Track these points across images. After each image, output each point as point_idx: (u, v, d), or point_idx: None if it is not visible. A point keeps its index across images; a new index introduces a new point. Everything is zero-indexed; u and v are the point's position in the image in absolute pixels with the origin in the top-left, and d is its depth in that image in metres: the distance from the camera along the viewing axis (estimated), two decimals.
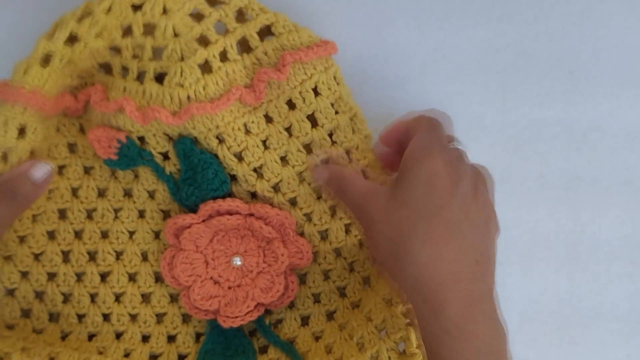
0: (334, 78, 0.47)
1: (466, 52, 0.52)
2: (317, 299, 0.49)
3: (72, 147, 0.49)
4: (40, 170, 0.46)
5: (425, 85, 0.52)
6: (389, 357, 0.45)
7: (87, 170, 0.49)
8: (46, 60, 0.45)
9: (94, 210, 0.49)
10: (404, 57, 0.52)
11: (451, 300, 0.37)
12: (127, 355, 0.49)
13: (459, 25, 0.52)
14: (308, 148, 0.48)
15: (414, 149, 0.41)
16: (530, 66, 0.52)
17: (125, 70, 0.47)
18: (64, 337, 0.49)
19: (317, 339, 0.49)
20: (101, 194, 0.49)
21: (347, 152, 0.47)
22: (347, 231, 0.48)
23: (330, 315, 0.49)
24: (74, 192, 0.49)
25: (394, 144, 0.46)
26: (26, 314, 0.49)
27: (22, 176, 0.45)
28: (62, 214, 0.49)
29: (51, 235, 0.49)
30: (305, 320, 0.49)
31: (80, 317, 0.49)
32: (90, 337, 0.49)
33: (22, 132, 0.45)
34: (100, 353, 0.48)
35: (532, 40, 0.52)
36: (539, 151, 0.52)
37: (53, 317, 0.49)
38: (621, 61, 0.52)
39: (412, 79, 0.52)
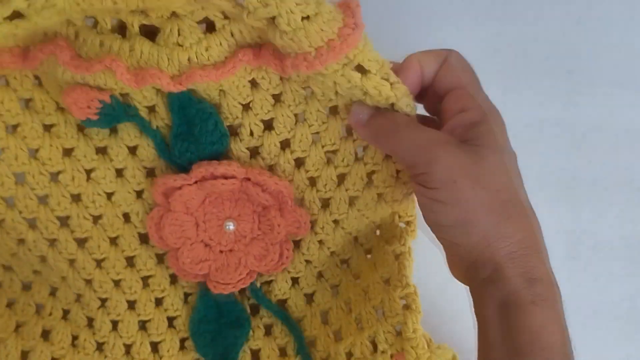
0: (358, 68, 0.38)
1: (466, 51, 0.52)
2: (308, 262, 0.48)
3: (27, 103, 0.43)
4: None
5: None
6: (386, 339, 0.44)
7: (47, 128, 0.43)
8: None
9: (61, 172, 0.44)
10: (404, 57, 0.52)
11: (541, 275, 0.38)
12: (115, 326, 0.47)
13: (459, 25, 0.52)
14: (334, 110, 0.42)
15: (479, 113, 0.39)
16: (530, 66, 0.52)
17: (94, 18, 0.39)
18: (53, 291, 0.47)
19: (309, 302, 0.48)
20: (68, 153, 0.44)
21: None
22: (351, 204, 0.45)
23: (320, 275, 0.48)
24: (33, 153, 0.43)
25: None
26: (9, 268, 0.47)
27: None
28: (20, 178, 0.44)
29: (9, 202, 0.44)
30: (295, 281, 0.48)
31: (63, 278, 0.46)
32: (79, 297, 0.47)
33: None
34: (90, 325, 0.47)
35: (532, 40, 0.52)
36: (539, 151, 0.52)
37: (37, 273, 0.47)
38: (621, 61, 0.52)
39: None
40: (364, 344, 0.45)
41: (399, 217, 0.47)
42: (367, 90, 0.39)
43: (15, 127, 0.43)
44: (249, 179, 0.44)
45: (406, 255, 0.46)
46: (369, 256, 0.48)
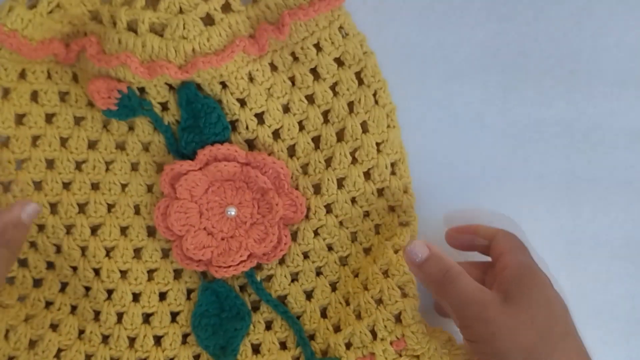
0: (341, 29, 0.47)
1: (466, 51, 0.52)
2: (306, 256, 0.49)
3: (63, 96, 0.49)
4: (29, 211, 0.45)
5: (425, 85, 0.52)
6: (385, 326, 0.46)
7: (77, 121, 0.49)
8: (34, 2, 0.45)
9: (84, 161, 0.49)
10: (404, 56, 0.52)
11: None
12: (120, 318, 0.48)
13: (459, 25, 0.52)
14: (310, 98, 0.48)
15: (520, 270, 0.44)
16: (530, 65, 0.52)
17: (113, 19, 0.46)
18: (63, 287, 0.49)
19: (309, 298, 0.49)
20: (92, 145, 0.49)
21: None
22: (340, 186, 0.48)
23: (319, 271, 0.50)
24: (63, 142, 0.49)
25: (461, 243, 0.49)
26: (23, 263, 0.49)
27: (15, 223, 0.44)
28: (50, 164, 0.49)
29: (37, 185, 0.49)
30: (294, 277, 0.49)
31: (74, 269, 0.49)
32: (87, 289, 0.49)
33: None
34: (96, 319, 0.48)
35: (533, 39, 0.52)
36: (539, 151, 0.52)
37: (50, 266, 0.49)
38: (621, 61, 0.52)
39: (412, 79, 0.52)
40: (363, 332, 0.47)
41: (398, 216, 0.49)
42: (346, 50, 0.47)
43: (52, 116, 0.49)
44: (248, 164, 0.47)
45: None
46: (368, 257, 0.49)
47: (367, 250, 0.50)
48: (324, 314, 0.49)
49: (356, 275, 0.49)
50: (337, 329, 0.48)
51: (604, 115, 0.52)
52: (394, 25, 0.52)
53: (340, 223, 0.49)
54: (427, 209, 0.51)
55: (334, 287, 0.49)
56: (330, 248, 0.50)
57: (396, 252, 0.48)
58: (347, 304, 0.48)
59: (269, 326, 0.49)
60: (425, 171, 0.52)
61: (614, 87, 0.52)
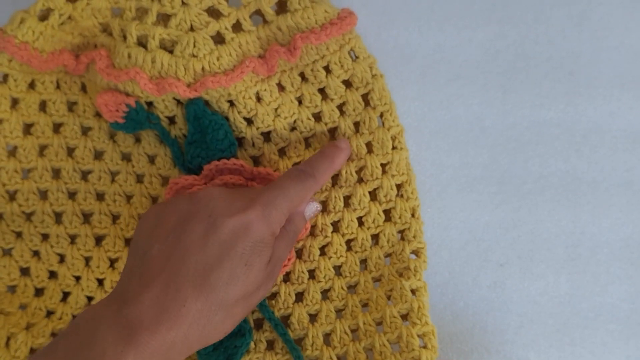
0: (351, 52, 0.48)
1: (466, 53, 0.52)
2: (312, 275, 0.49)
3: (71, 106, 0.49)
4: (312, 209, 0.48)
5: (425, 86, 0.52)
6: None
7: (84, 131, 0.49)
8: (45, 15, 0.46)
9: (90, 171, 0.49)
10: (404, 58, 0.52)
11: None
12: None
13: (459, 27, 0.52)
14: (317, 116, 0.49)
15: None
16: (530, 67, 0.52)
17: (124, 33, 0.46)
18: (65, 296, 0.49)
19: (312, 321, 0.48)
20: (98, 156, 0.49)
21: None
22: (347, 204, 0.48)
23: (325, 295, 0.49)
24: (70, 151, 0.49)
25: None
26: (25, 272, 0.49)
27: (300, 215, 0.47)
28: (56, 173, 0.49)
29: (43, 194, 0.49)
30: (299, 297, 0.49)
31: (77, 278, 0.49)
32: (90, 299, 0.49)
33: (4, 78, 0.47)
34: None
35: (532, 41, 0.52)
36: (539, 152, 0.52)
37: (53, 275, 0.50)
38: (621, 62, 0.52)
39: (413, 81, 0.52)
40: None
41: (408, 242, 0.48)
42: (355, 73, 0.47)
43: (59, 126, 0.49)
44: (253, 179, 0.47)
45: (422, 290, 0.47)
46: (376, 284, 0.49)
47: (376, 280, 0.49)
48: (326, 340, 0.48)
49: (364, 305, 0.48)
50: None
51: (604, 117, 0.52)
52: (394, 28, 0.52)
53: (348, 244, 0.49)
54: (427, 210, 0.51)
55: (339, 314, 0.48)
56: (338, 272, 0.49)
57: (413, 293, 0.47)
58: (355, 336, 0.47)
59: (270, 346, 0.48)
60: (425, 173, 0.52)
61: (613, 88, 0.52)
